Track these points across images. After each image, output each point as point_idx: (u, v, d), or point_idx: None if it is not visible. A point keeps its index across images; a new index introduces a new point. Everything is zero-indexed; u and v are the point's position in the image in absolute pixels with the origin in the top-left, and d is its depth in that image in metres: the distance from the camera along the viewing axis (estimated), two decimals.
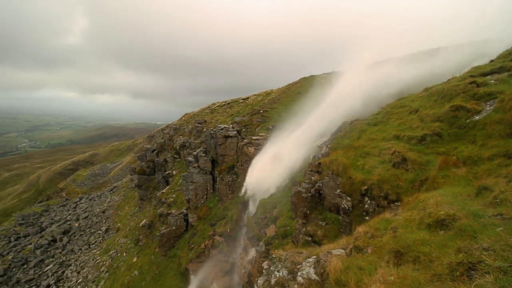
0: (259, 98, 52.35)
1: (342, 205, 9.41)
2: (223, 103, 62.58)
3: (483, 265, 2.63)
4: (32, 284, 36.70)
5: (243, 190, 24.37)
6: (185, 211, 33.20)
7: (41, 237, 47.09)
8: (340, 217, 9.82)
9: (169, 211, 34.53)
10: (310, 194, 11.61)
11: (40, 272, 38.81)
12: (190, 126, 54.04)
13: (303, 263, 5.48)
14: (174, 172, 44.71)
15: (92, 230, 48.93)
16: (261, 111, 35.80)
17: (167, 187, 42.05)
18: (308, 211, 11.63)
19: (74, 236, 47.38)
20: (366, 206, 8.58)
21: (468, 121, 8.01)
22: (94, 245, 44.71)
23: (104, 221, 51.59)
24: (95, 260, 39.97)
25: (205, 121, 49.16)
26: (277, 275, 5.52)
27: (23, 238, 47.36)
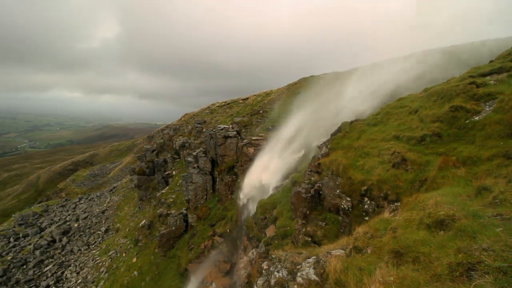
0: (259, 99, 52.37)
1: (342, 206, 9.40)
2: (223, 104, 62.59)
3: (482, 265, 2.63)
4: (32, 285, 36.63)
5: (241, 195, 24.36)
6: (184, 212, 33.18)
7: (40, 237, 47.02)
8: (340, 218, 9.82)
9: (168, 212, 34.50)
10: (309, 195, 11.61)
11: (40, 273, 38.73)
12: (189, 126, 54.05)
13: (303, 263, 5.47)
14: (174, 173, 44.70)
15: (92, 231, 48.87)
16: (260, 111, 35.82)
17: (167, 187, 42.04)
18: (307, 212, 11.62)
19: (74, 237, 47.31)
20: (365, 206, 8.58)
21: (467, 121, 8.02)
22: (93, 246, 44.66)
23: (103, 221, 51.54)
24: (94, 261, 39.92)
25: (205, 122, 49.17)
26: (277, 276, 5.51)
27: (22, 239, 47.27)
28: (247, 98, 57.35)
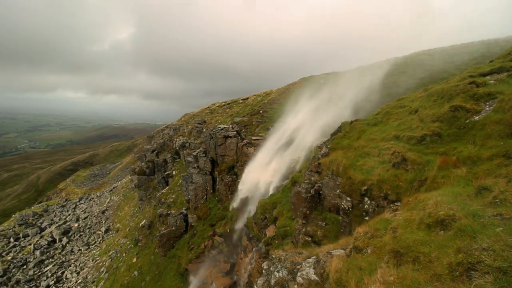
0: (259, 99, 52.37)
1: (342, 205, 9.40)
2: (223, 104, 62.61)
3: (482, 265, 2.63)
4: (32, 285, 36.62)
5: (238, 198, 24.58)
6: (184, 212, 33.17)
7: (40, 237, 47.02)
8: (340, 218, 9.82)
9: (168, 212, 34.50)
10: (309, 195, 11.61)
11: (40, 273, 38.73)
12: (189, 126, 54.07)
13: (303, 263, 5.47)
14: (174, 173, 44.69)
15: (92, 231, 48.88)
16: (260, 111, 35.83)
17: (167, 187, 42.03)
18: (307, 212, 11.62)
19: (74, 237, 47.32)
20: (365, 206, 8.58)
21: (467, 121, 8.01)
22: (93, 246, 44.66)
23: (103, 221, 51.54)
24: (94, 261, 39.92)
25: (205, 122, 49.19)
26: (277, 276, 5.51)
27: (22, 239, 47.28)
28: (247, 98, 57.36)
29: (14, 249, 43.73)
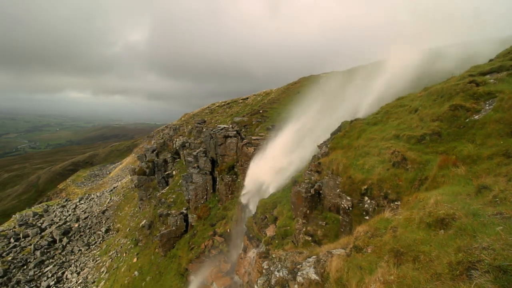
0: (259, 98, 52.39)
1: (342, 205, 9.40)
2: (223, 103, 62.63)
3: (482, 264, 2.63)
4: (32, 285, 36.66)
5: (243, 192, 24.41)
6: (185, 212, 33.19)
7: (41, 238, 47.03)
8: (340, 217, 9.82)
9: (169, 212, 34.51)
10: (309, 194, 11.60)
11: (40, 273, 38.76)
12: (189, 126, 54.08)
13: (303, 263, 5.48)
14: (174, 172, 44.70)
15: (92, 231, 48.91)
16: (260, 111, 35.82)
17: (167, 187, 42.05)
18: (308, 211, 11.62)
19: (74, 237, 47.33)
20: (366, 205, 8.58)
21: (467, 120, 8.01)
22: (94, 246, 44.68)
23: (104, 221, 51.56)
24: (95, 261, 39.95)
25: (205, 121, 49.19)
26: (277, 275, 5.52)
27: (22, 239, 47.28)
28: (247, 98, 57.39)
29: (14, 250, 43.74)
